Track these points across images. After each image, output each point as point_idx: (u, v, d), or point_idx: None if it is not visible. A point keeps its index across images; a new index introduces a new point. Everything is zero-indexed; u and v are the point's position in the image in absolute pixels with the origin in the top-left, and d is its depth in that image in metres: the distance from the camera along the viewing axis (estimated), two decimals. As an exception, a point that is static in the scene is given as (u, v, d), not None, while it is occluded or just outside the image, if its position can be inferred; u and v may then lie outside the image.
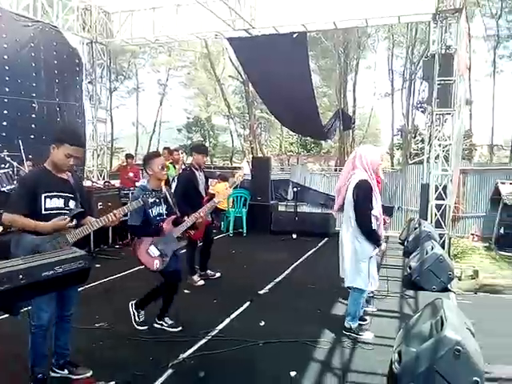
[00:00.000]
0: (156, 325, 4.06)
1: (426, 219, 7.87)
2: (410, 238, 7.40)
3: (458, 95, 8.04)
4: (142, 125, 36.16)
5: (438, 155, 8.08)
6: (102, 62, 10.60)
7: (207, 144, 30.45)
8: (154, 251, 3.79)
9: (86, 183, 8.82)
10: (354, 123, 22.64)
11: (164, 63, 33.23)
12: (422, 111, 23.83)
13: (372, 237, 3.80)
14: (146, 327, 4.01)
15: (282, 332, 3.99)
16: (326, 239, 8.68)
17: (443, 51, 7.89)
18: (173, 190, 5.12)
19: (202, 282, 5.56)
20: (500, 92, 38.25)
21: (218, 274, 5.87)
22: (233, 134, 33.55)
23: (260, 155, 22.43)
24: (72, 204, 2.95)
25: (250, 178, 10.31)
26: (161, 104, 34.70)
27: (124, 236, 7.74)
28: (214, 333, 3.97)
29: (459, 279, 6.89)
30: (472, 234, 12.28)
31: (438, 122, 8.19)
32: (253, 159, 12.75)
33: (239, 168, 22.23)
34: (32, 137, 8.32)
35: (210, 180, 6.25)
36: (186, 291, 5.22)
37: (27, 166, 6.80)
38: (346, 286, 4.00)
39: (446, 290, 5.36)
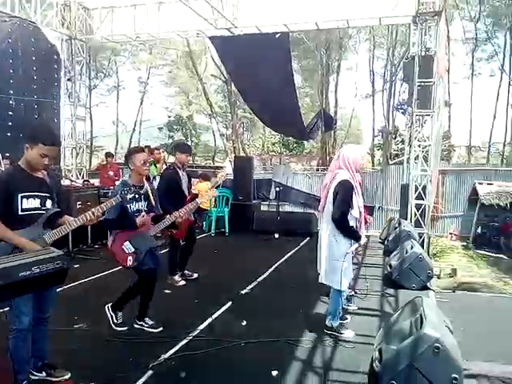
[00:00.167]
0: (136, 325, 4.01)
1: (406, 219, 7.97)
2: (390, 238, 7.50)
3: (438, 97, 8.16)
4: (122, 123, 35.73)
5: (418, 156, 8.19)
6: (81, 58, 10.41)
7: (189, 143, 30.24)
8: (129, 247, 3.75)
9: (65, 182, 8.66)
10: (335, 124, 22.86)
11: (145, 61, 32.84)
12: (402, 112, 24.14)
13: (350, 234, 3.83)
14: (125, 328, 3.96)
15: (264, 331, 3.99)
16: (308, 238, 8.71)
17: (423, 53, 7.99)
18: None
19: (183, 282, 5.51)
20: (478, 94, 39.11)
21: (195, 275, 5.80)
22: (215, 133, 33.40)
23: (242, 155, 22.38)
24: (49, 203, 2.88)
25: (232, 178, 10.29)
26: (141, 102, 34.34)
27: (103, 236, 7.61)
28: (195, 333, 3.94)
29: (438, 277, 7.01)
30: (450, 234, 12.53)
31: (417, 123, 8.30)
32: (235, 159, 12.75)
33: (221, 167, 22.19)
34: (9, 134, 8.14)
35: (192, 179, 6.20)
36: (166, 291, 5.18)
37: (4, 165, 6.65)
38: (320, 281, 4.02)
39: (425, 288, 5.43)
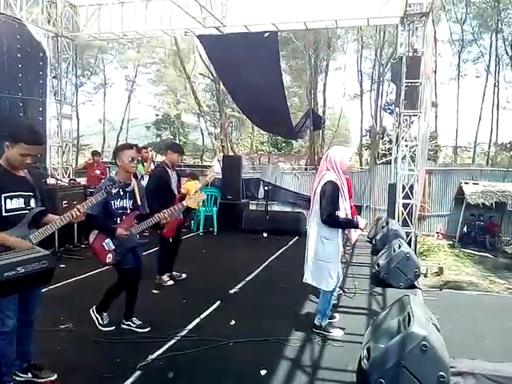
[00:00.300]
0: (123, 325, 3.98)
1: (394, 218, 8.03)
2: (378, 237, 7.55)
3: (425, 97, 8.24)
4: (109, 121, 35.41)
5: (405, 156, 8.25)
6: (67, 56, 10.27)
7: (177, 142, 30.09)
8: (109, 244, 3.72)
9: (51, 181, 8.56)
10: (324, 123, 22.95)
11: (132, 59, 32.58)
12: (390, 113, 24.36)
13: (346, 225, 3.87)
14: (112, 328, 3.92)
15: (253, 331, 3.98)
16: (296, 238, 8.72)
17: (410, 54, 8.05)
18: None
19: (171, 282, 5.47)
20: (464, 95, 39.66)
21: (183, 276, 5.77)
22: (203, 132, 33.23)
23: (231, 154, 22.34)
24: (33, 203, 2.82)
25: (220, 177, 10.26)
26: (129, 101, 34.10)
27: (90, 235, 7.53)
28: (183, 333, 3.92)
29: (425, 276, 7.10)
30: (437, 233, 12.69)
31: (405, 124, 8.35)
32: (224, 158, 12.72)
33: (210, 166, 22.12)
34: (-7, 132, 8.00)
35: (182, 179, 6.17)
36: (154, 291, 5.16)
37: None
38: (304, 282, 4.01)
39: (412, 286, 5.48)
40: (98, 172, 9.26)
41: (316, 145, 26.48)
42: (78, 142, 26.31)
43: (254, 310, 4.63)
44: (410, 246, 7.13)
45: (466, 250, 11.59)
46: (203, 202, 9.25)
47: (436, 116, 25.85)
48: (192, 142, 36.65)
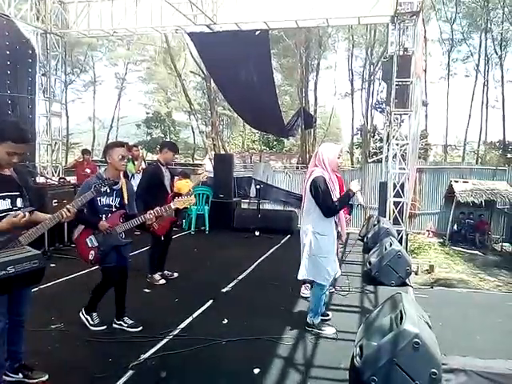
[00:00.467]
0: (115, 325, 3.96)
1: (385, 216, 8.08)
2: (370, 235, 7.58)
3: (415, 96, 8.29)
4: (98, 119, 35.06)
5: (396, 154, 8.30)
6: (56, 53, 10.16)
7: (168, 140, 29.96)
8: (92, 241, 3.69)
9: (40, 179, 8.47)
10: (315, 122, 22.95)
11: (122, 57, 32.30)
12: (380, 111, 24.52)
13: (345, 200, 3.88)
14: (103, 327, 3.90)
15: (245, 330, 3.98)
16: (288, 236, 8.74)
17: (401, 53, 8.09)
18: (135, 186, 4.94)
19: (163, 281, 5.45)
20: (453, 94, 40.02)
21: (175, 275, 5.74)
22: (194, 130, 33.07)
23: (222, 152, 22.28)
24: (19, 202, 2.77)
25: (212, 175, 10.23)
26: (119, 98, 33.81)
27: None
28: (175, 332, 3.90)
29: (416, 274, 7.14)
30: (427, 231, 12.78)
31: (395, 122, 8.40)
32: (215, 156, 12.66)
33: (201, 165, 22.04)
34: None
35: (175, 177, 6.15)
36: (146, 290, 5.13)
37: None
38: (300, 278, 4.02)
39: (404, 284, 5.52)
40: (88, 170, 9.17)
41: (307, 143, 26.48)
42: (67, 141, 26.04)
43: (247, 309, 4.63)
44: (401, 244, 7.18)
45: (457, 248, 11.68)
46: (195, 200, 9.21)
47: (426, 115, 26.03)
48: (183, 140, 36.44)
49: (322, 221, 3.86)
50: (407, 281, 5.62)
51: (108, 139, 31.22)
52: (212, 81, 17.78)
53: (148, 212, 3.96)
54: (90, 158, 10.17)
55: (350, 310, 4.67)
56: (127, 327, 3.92)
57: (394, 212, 8.13)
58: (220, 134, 28.05)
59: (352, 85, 28.52)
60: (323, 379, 3.21)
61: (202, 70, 22.82)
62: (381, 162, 10.80)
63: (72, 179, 9.26)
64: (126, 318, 3.97)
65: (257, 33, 9.22)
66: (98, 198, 3.65)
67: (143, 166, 8.52)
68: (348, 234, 8.94)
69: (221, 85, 12.36)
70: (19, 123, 2.75)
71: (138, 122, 35.50)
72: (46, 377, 2.98)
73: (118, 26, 9.53)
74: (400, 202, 8.17)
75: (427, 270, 7.93)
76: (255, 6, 8.75)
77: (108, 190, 3.61)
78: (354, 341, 2.93)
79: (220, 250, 7.72)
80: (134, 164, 8.39)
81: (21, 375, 2.96)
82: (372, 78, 25.66)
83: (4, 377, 2.88)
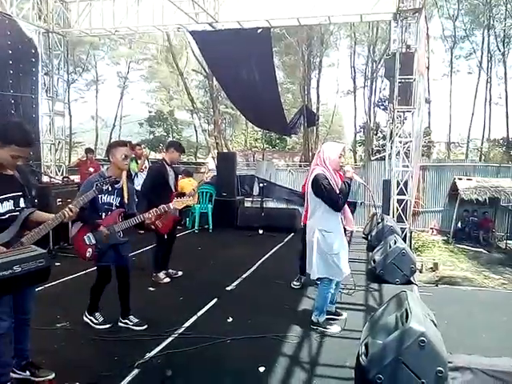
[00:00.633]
0: (121, 324, 3.96)
1: (389, 214, 8.05)
2: (374, 233, 7.56)
3: (418, 93, 8.25)
4: (101, 118, 35.12)
5: (399, 152, 8.27)
6: (59, 52, 10.17)
7: (171, 139, 30.01)
8: (90, 239, 3.70)
9: (44, 179, 8.48)
10: (317, 120, 22.94)
11: (124, 56, 32.34)
12: (383, 109, 24.40)
13: (346, 189, 3.85)
14: (108, 326, 3.90)
15: (250, 328, 3.98)
16: (292, 234, 8.72)
17: (403, 50, 8.05)
18: (139, 185, 4.95)
19: (167, 280, 5.46)
20: (456, 91, 39.84)
21: (180, 273, 5.75)
22: (197, 128, 33.07)
23: (225, 151, 22.29)
24: (22, 202, 2.75)
25: (215, 174, 10.22)
26: (121, 97, 33.86)
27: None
28: (180, 330, 3.90)
29: (420, 272, 7.13)
30: (431, 228, 12.76)
31: (398, 120, 8.38)
32: (218, 155, 12.67)
33: (204, 163, 22.05)
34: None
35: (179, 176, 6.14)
36: (151, 289, 5.14)
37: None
38: (313, 278, 4.02)
39: (409, 282, 5.50)
40: (91, 169, 9.18)
41: (310, 141, 26.49)
42: (70, 140, 26.13)
43: (251, 307, 4.63)
44: (405, 242, 7.16)
45: (461, 246, 11.66)
46: (198, 198, 9.22)
47: (429, 112, 25.97)
48: (186, 138, 36.44)
49: (327, 218, 3.86)
50: (412, 279, 5.61)
51: (111, 138, 31.30)
52: (214, 79, 17.79)
53: (148, 212, 3.98)
54: (94, 157, 10.19)
55: (354, 308, 4.66)
56: (132, 326, 3.93)
57: (397, 210, 8.11)
58: (222, 132, 28.04)
59: (354, 82, 28.50)
60: (329, 377, 3.21)
61: (204, 69, 22.84)
62: (384, 159, 10.79)
63: (76, 178, 9.28)
64: (132, 316, 3.98)
65: (259, 31, 9.20)
66: (100, 196, 3.67)
67: (146, 164, 8.53)
68: (352, 231, 8.92)
69: (223, 83, 12.35)
70: (23, 124, 2.72)
71: (141, 120, 35.53)
72: (53, 375, 2.99)
73: (119, 24, 9.54)
74: (404, 199, 8.14)
75: (431, 268, 7.92)
76: (257, 4, 8.74)
77: (110, 189, 3.62)
78: (360, 339, 2.93)
79: (224, 248, 7.73)
80: (137, 163, 8.40)
81: (28, 373, 2.97)
82: (374, 75, 25.61)
83: (11, 374, 2.88)
